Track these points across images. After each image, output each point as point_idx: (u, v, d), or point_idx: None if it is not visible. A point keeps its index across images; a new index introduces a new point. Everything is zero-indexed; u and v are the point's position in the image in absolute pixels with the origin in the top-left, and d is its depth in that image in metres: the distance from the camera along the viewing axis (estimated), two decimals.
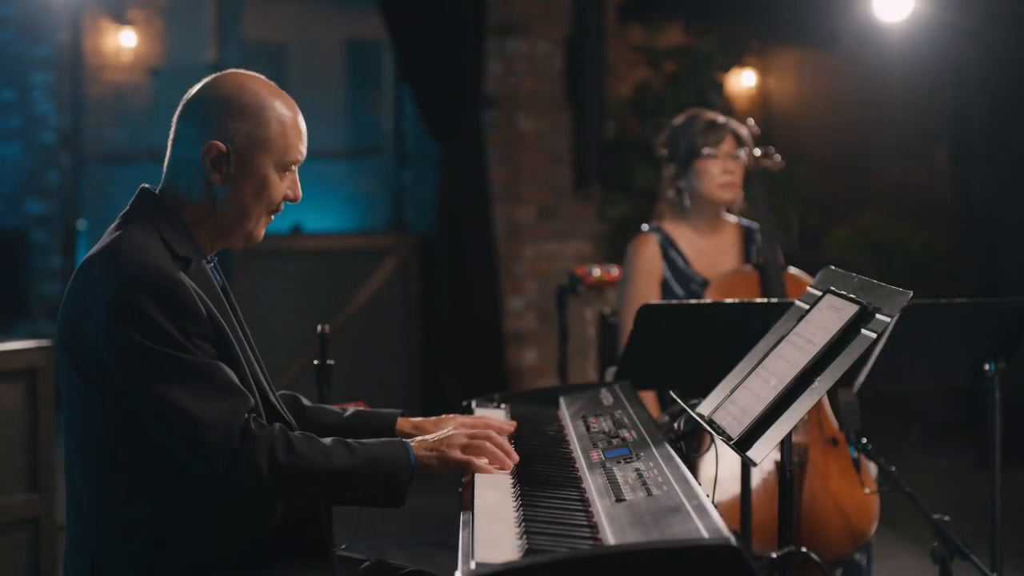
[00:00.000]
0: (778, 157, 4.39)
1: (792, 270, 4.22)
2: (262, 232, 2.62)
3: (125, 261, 2.41)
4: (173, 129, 2.58)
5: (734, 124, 4.31)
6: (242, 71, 2.61)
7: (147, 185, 2.59)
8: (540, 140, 7.94)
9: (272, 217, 2.63)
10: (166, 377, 2.37)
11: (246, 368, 2.50)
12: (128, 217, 2.53)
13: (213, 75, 2.59)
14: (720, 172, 4.25)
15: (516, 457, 2.60)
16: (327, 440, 2.48)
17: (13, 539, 4.17)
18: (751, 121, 4.44)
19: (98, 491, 2.46)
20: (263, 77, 2.62)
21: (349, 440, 2.50)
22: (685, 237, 4.33)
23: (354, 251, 8.11)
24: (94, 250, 2.50)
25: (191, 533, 2.45)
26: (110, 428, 2.44)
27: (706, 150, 4.24)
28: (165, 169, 2.58)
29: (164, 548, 2.44)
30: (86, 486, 2.48)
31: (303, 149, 2.60)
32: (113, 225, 2.54)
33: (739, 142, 4.29)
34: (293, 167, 2.59)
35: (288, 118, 2.56)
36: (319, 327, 3.44)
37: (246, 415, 2.40)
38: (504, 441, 2.62)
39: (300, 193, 2.63)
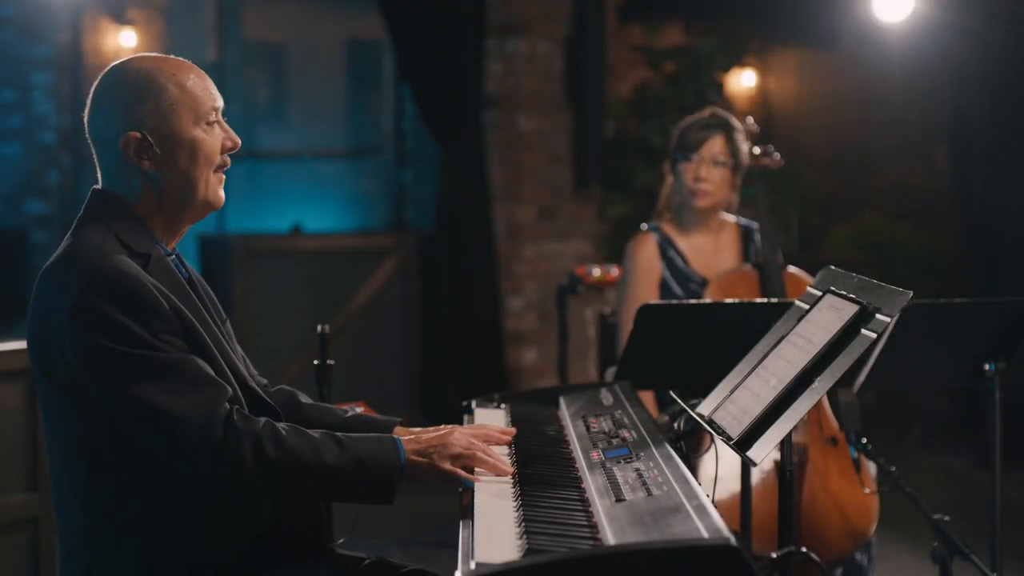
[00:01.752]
0: (777, 156, 4.38)
1: (792, 269, 4.21)
2: (219, 193, 2.57)
3: (83, 265, 2.39)
4: (90, 144, 2.56)
5: (729, 127, 4.25)
6: (123, 59, 2.58)
7: (97, 186, 2.56)
8: (540, 140, 7.94)
9: (223, 175, 2.58)
10: (137, 377, 2.34)
11: (220, 358, 2.47)
12: (82, 221, 2.51)
13: (98, 77, 2.57)
14: (692, 178, 4.22)
15: (509, 469, 2.57)
16: (316, 433, 2.44)
17: (13, 539, 4.17)
18: (750, 119, 4.42)
19: (85, 497, 2.44)
20: (142, 53, 2.59)
21: (339, 435, 2.47)
22: (684, 236, 4.32)
23: (354, 251, 8.10)
24: (53, 257, 2.48)
25: (183, 535, 2.43)
26: (89, 434, 2.42)
27: (683, 152, 4.22)
28: (100, 176, 2.56)
29: (156, 551, 2.42)
30: (73, 493, 2.46)
31: (215, 97, 2.55)
32: (70, 231, 2.52)
33: (731, 149, 4.22)
34: (214, 115, 2.54)
35: (183, 76, 2.52)
36: (319, 327, 3.44)
37: (226, 406, 2.37)
38: (496, 454, 2.58)
39: (237, 139, 2.58)
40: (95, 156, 2.56)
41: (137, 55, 2.58)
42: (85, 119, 2.56)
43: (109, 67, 2.56)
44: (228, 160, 2.58)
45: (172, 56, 2.57)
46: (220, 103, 2.56)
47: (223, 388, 2.40)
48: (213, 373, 2.42)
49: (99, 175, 2.56)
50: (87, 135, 2.56)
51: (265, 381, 2.74)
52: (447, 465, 2.50)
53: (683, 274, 4.27)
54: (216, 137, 2.55)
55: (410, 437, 2.57)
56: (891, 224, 8.60)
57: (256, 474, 2.36)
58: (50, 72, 8.59)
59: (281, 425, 2.43)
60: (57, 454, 2.49)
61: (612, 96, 8.29)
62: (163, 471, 2.40)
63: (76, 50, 8.64)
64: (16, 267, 8.60)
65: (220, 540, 2.46)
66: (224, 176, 2.59)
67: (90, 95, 2.55)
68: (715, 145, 4.21)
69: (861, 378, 3.57)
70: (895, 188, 8.87)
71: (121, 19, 8.69)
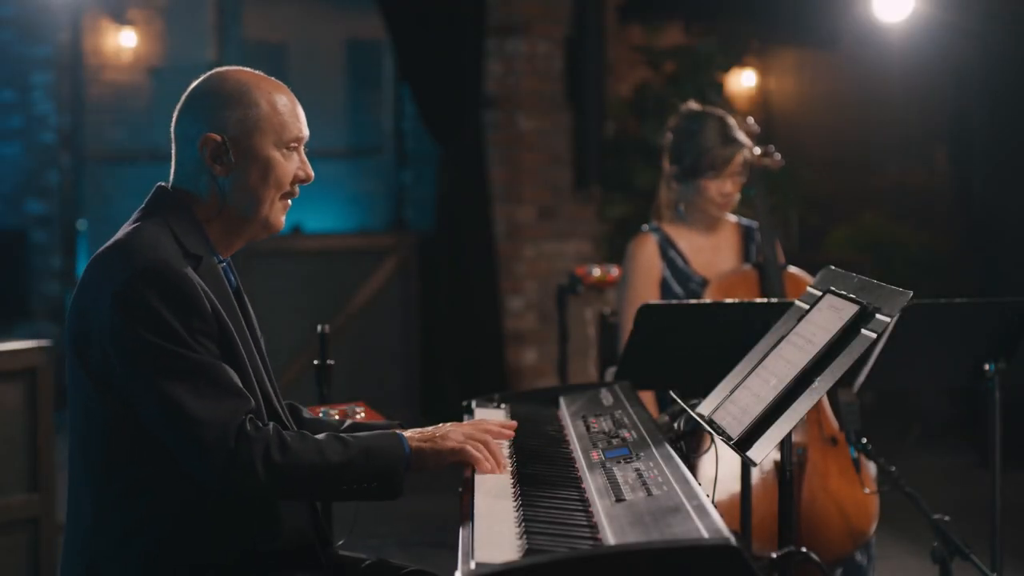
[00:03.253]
0: (778, 156, 4.38)
1: (792, 269, 4.21)
2: (281, 218, 2.61)
3: (134, 255, 2.42)
4: (173, 139, 2.60)
5: (743, 138, 4.25)
6: (226, 67, 2.62)
7: (163, 183, 2.60)
8: (540, 140, 7.94)
9: (289, 202, 2.61)
10: (167, 373, 2.36)
11: (250, 371, 2.49)
12: (143, 214, 2.55)
13: (199, 78, 2.61)
14: (719, 193, 4.23)
15: (506, 464, 2.59)
16: (321, 436, 2.48)
17: (13, 539, 4.18)
18: (751, 120, 4.42)
19: (98, 491, 2.46)
20: (248, 68, 2.62)
21: (342, 434, 2.50)
22: (684, 237, 4.32)
23: (354, 251, 8.11)
24: (106, 244, 2.51)
25: (189, 536, 2.44)
26: (112, 426, 2.44)
27: (713, 171, 4.20)
28: (172, 173, 2.60)
29: (161, 549, 2.43)
30: (87, 486, 2.48)
31: (302, 127, 2.59)
32: (128, 221, 2.55)
33: (746, 159, 4.25)
34: (296, 145, 2.58)
35: (277, 97, 2.56)
36: (319, 327, 3.44)
37: (244, 416, 2.39)
38: (497, 448, 2.61)
39: (311, 172, 2.61)
40: (172, 151, 2.59)
41: (244, 68, 2.61)
42: (175, 114, 2.59)
43: (214, 71, 2.61)
44: (297, 191, 2.61)
45: (273, 78, 2.61)
46: (305, 133, 2.60)
47: (246, 399, 2.42)
48: (240, 384, 2.44)
49: (171, 171, 2.60)
50: (171, 129, 2.60)
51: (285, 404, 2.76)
52: (453, 444, 2.54)
53: (683, 274, 4.27)
54: (292, 164, 2.57)
55: (411, 432, 2.60)
56: (891, 224, 8.60)
57: (266, 479, 2.38)
58: (50, 72, 8.60)
59: (287, 432, 2.46)
60: (77, 445, 2.51)
61: (612, 96, 8.29)
62: (174, 471, 2.42)
63: (76, 50, 8.65)
64: (16, 267, 8.61)
65: (223, 541, 2.47)
66: (290, 204, 2.62)
67: (186, 92, 2.59)
68: (739, 159, 4.21)
69: (861, 378, 3.57)
70: (895, 188, 8.88)
71: (121, 19, 8.70)
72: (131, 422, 2.41)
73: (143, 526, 2.43)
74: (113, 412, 2.43)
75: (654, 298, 4.23)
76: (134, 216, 2.55)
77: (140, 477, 2.43)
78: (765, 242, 4.21)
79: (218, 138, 2.51)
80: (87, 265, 2.50)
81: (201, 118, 2.54)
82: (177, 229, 2.49)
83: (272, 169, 2.54)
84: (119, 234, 2.51)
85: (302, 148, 2.60)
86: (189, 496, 2.43)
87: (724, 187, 4.22)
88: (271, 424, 2.45)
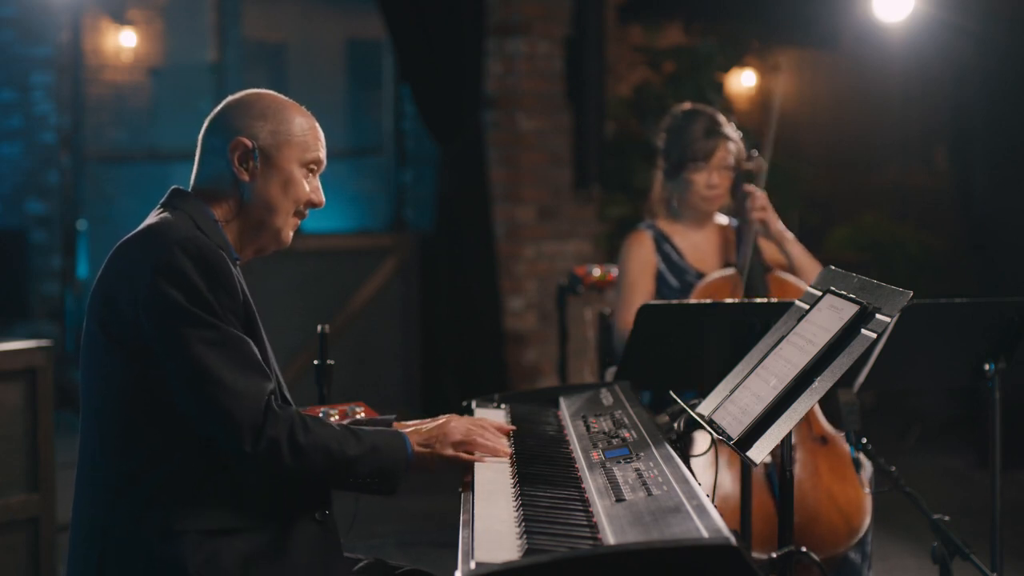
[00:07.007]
0: (761, 160, 4.42)
1: (781, 274, 4.21)
2: (290, 234, 2.71)
3: (170, 233, 2.51)
4: (199, 145, 2.69)
5: (729, 132, 4.29)
6: (261, 89, 2.76)
7: (177, 186, 2.68)
8: (540, 140, 7.94)
9: (299, 221, 2.72)
10: (202, 341, 2.43)
11: (271, 357, 2.59)
12: (163, 209, 2.63)
13: (234, 95, 2.73)
14: (705, 185, 4.26)
15: (507, 450, 2.70)
16: (337, 426, 2.57)
17: (13, 539, 4.17)
18: (732, 125, 4.46)
19: (115, 465, 2.49)
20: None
21: (354, 428, 2.60)
22: (679, 232, 4.36)
23: (354, 251, 8.11)
24: (132, 233, 2.58)
25: (204, 505, 2.48)
26: (133, 397, 2.48)
27: (695, 163, 4.24)
28: (194, 177, 2.69)
29: (176, 522, 2.46)
30: (104, 459, 2.50)
31: (323, 152, 2.73)
32: (148, 217, 2.62)
33: (735, 153, 4.28)
34: (315, 169, 2.71)
35: (306, 121, 2.71)
36: (319, 327, 3.45)
37: (270, 394, 2.47)
38: (495, 435, 2.72)
39: (323, 199, 2.73)
40: (198, 153, 2.69)
41: (275, 92, 2.74)
42: (208, 120, 2.69)
43: (247, 91, 2.74)
44: (307, 213, 2.73)
45: (302, 107, 2.75)
46: (324, 159, 2.73)
47: (270, 378, 2.51)
48: (264, 363, 2.52)
49: (192, 176, 2.68)
50: (201, 133, 2.69)
51: None
52: (449, 451, 2.66)
53: (678, 267, 4.29)
54: (308, 185, 2.70)
55: (411, 429, 2.70)
56: (891, 224, 8.60)
57: (290, 459, 2.45)
58: (50, 72, 8.59)
59: (307, 416, 2.54)
60: (93, 420, 2.54)
61: (612, 96, 8.28)
62: (194, 444, 2.47)
63: (76, 50, 8.64)
64: (16, 267, 8.60)
65: (237, 509, 2.50)
66: (299, 223, 2.74)
67: (219, 105, 2.71)
68: (723, 151, 4.24)
69: (861, 378, 3.57)
70: (895, 188, 8.88)
71: (121, 19, 8.69)
72: (154, 392, 2.46)
73: (159, 499, 2.46)
74: (136, 382, 2.47)
75: (650, 292, 4.26)
76: (152, 213, 2.63)
77: (160, 449, 2.47)
78: (748, 246, 4.23)
79: (249, 143, 2.63)
80: (113, 251, 2.56)
81: (235, 125, 2.65)
82: (199, 221, 2.57)
83: (292, 184, 2.66)
84: (143, 224, 2.58)
85: (318, 175, 2.73)
86: (205, 468, 2.48)
87: (711, 179, 4.25)
88: (293, 407, 2.55)
